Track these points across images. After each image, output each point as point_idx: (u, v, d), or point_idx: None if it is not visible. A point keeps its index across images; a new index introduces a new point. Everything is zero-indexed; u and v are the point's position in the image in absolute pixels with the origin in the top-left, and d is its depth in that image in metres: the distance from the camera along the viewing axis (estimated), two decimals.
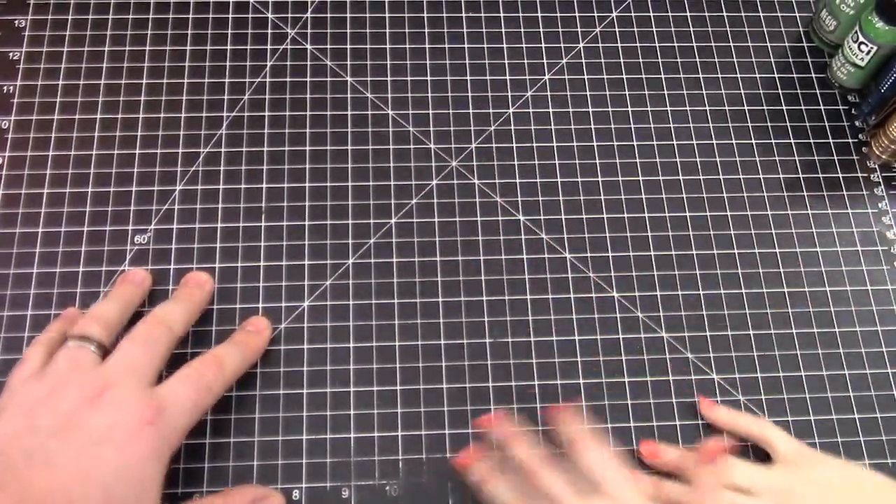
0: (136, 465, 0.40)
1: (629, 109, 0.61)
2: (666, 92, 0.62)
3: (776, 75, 0.63)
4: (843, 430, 0.52)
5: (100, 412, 0.41)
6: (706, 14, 0.65)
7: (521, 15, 0.64)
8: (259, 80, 0.61)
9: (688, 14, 0.65)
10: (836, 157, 0.60)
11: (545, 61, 0.63)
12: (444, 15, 0.64)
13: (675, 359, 0.54)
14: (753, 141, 0.60)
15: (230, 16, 0.63)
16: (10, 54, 0.61)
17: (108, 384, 0.42)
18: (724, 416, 0.52)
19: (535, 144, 0.60)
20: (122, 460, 0.40)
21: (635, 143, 0.60)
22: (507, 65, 0.62)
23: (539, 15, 0.64)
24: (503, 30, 0.64)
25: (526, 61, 0.63)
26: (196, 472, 0.50)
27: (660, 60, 0.63)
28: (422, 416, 0.52)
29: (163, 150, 0.58)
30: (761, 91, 0.62)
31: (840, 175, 0.60)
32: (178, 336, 0.48)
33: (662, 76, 0.62)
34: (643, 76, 0.62)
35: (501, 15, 0.64)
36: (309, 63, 0.62)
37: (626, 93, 0.62)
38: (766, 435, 0.50)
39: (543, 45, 0.63)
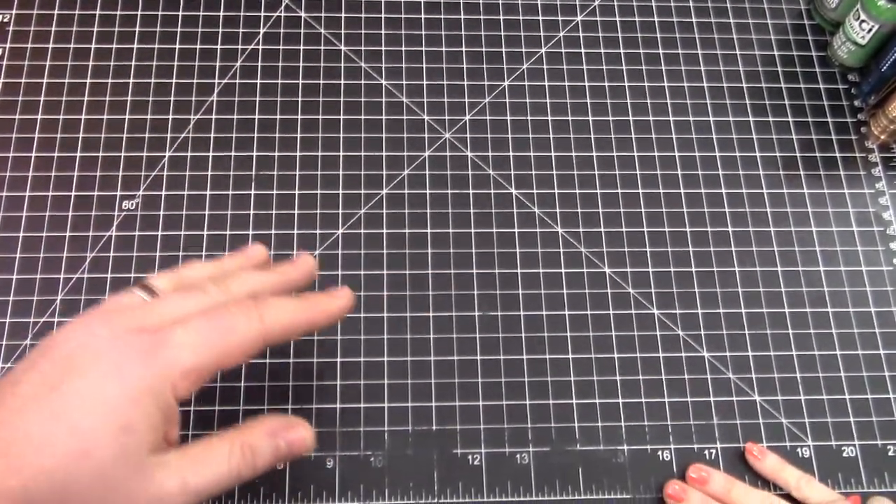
0: (116, 399, 0.33)
1: (626, 84, 0.60)
2: (664, 67, 0.61)
3: (776, 53, 0.62)
4: (833, 411, 0.52)
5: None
6: None
7: None
8: (252, 47, 0.60)
9: None
10: (834, 137, 0.60)
11: (542, 34, 0.62)
12: None
13: (665, 335, 0.53)
14: (751, 118, 0.60)
15: None
16: None
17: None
18: (769, 467, 0.50)
19: (529, 118, 0.59)
20: (98, 393, 0.33)
21: (631, 119, 0.59)
22: (503, 37, 0.61)
23: None
24: (500, 1, 0.63)
25: (522, 34, 0.62)
26: (180, 438, 0.49)
27: (658, 35, 0.62)
28: (408, 388, 0.51)
29: (153, 116, 0.57)
30: (760, 68, 0.62)
31: (838, 155, 0.59)
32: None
33: (660, 51, 0.62)
34: (641, 51, 0.62)
35: None
36: (303, 31, 0.61)
37: (624, 67, 0.61)
38: (805, 493, 0.49)
39: (540, 17, 0.62)
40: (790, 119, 0.60)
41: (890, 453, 0.51)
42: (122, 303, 0.38)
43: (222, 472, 0.36)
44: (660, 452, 0.51)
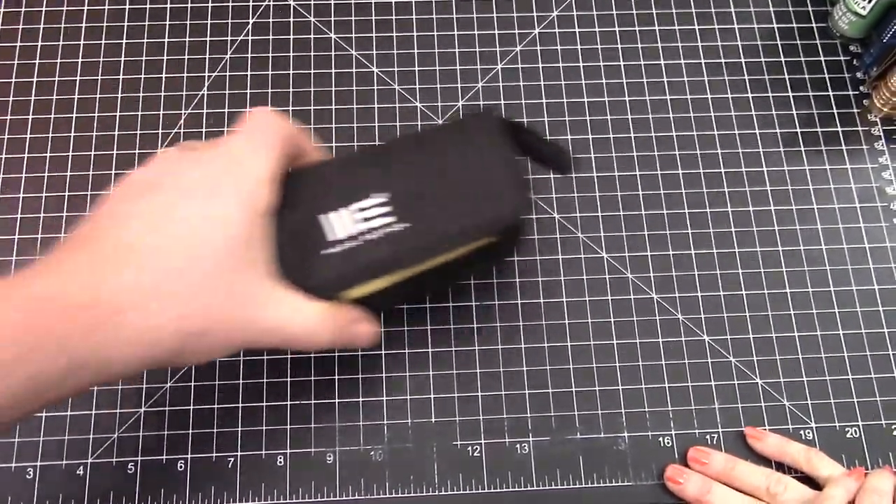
0: (222, 214, 0.36)
1: (622, 63, 0.59)
2: (660, 44, 0.60)
3: (775, 25, 0.61)
4: (836, 392, 0.51)
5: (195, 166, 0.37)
6: None
7: None
8: (241, 37, 0.59)
9: None
10: (835, 111, 0.58)
11: (535, 14, 0.61)
12: None
13: (665, 320, 0.53)
14: (750, 94, 0.59)
15: None
16: None
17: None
18: (772, 447, 0.50)
19: (524, 101, 0.58)
20: (206, 210, 0.36)
21: (627, 99, 0.58)
22: (495, 18, 0.60)
23: None
24: None
25: (515, 15, 0.61)
26: (181, 438, 0.49)
27: (654, 11, 0.61)
28: (407, 381, 0.51)
29: (143, 112, 0.57)
30: (759, 42, 0.60)
31: (839, 129, 0.58)
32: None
33: (657, 28, 0.60)
34: (636, 28, 0.60)
35: None
36: (292, 20, 0.60)
37: (619, 46, 0.60)
38: (815, 466, 0.48)
39: None
40: (790, 94, 0.59)
41: (894, 433, 0.50)
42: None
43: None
44: (661, 438, 0.50)
